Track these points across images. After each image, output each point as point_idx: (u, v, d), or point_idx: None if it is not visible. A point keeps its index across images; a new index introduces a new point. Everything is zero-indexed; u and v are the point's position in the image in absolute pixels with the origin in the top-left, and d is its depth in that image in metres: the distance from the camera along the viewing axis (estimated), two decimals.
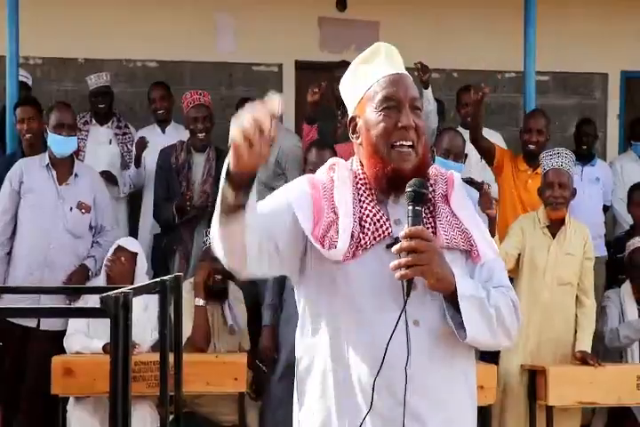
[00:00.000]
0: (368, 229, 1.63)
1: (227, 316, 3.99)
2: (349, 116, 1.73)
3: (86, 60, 5.71)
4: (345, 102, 1.76)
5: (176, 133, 4.87)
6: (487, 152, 4.36)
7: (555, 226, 3.85)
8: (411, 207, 1.58)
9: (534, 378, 3.74)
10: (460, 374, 1.66)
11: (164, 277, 2.31)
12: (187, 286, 3.88)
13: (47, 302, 3.67)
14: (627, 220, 5.12)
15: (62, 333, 3.87)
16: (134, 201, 5.10)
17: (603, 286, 4.68)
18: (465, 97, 4.89)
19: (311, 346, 1.67)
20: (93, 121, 5.02)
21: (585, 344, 3.82)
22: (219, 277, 3.96)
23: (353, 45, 5.72)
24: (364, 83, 1.69)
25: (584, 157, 5.00)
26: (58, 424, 3.67)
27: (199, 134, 4.38)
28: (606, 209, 5.24)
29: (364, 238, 1.62)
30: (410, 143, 1.64)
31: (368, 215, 1.64)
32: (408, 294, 1.56)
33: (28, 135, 4.29)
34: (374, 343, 1.59)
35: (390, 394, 1.58)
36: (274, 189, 1.80)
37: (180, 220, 4.29)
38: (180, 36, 5.63)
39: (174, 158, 4.40)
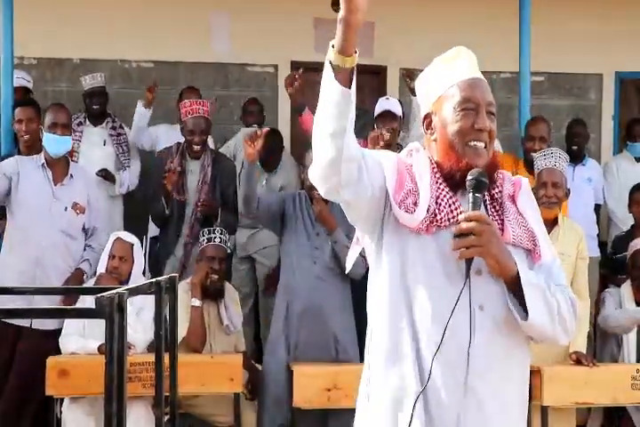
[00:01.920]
0: (444, 208, 1.71)
1: (222, 316, 3.99)
2: (424, 113, 1.82)
3: (81, 60, 5.70)
4: (419, 99, 1.86)
5: None
6: None
7: (548, 226, 3.83)
8: (471, 194, 1.68)
9: (530, 378, 3.73)
10: (516, 364, 1.74)
11: (160, 278, 2.31)
12: (183, 287, 3.88)
13: (40, 301, 3.66)
14: (622, 219, 5.13)
15: (55, 331, 3.86)
16: (130, 201, 5.10)
17: (596, 286, 4.69)
18: None
19: (380, 313, 1.74)
20: (87, 122, 5.02)
21: (579, 344, 3.81)
22: (215, 276, 3.96)
23: None
24: (443, 83, 1.78)
25: (575, 157, 5.01)
26: (52, 426, 3.66)
27: (195, 146, 4.35)
28: (597, 208, 5.25)
29: (439, 214, 1.70)
30: (483, 145, 1.74)
31: (445, 196, 1.73)
32: (468, 275, 1.64)
33: (26, 136, 4.28)
34: (436, 320, 1.66)
35: (451, 373, 1.65)
36: None
37: (168, 209, 4.28)
38: (175, 37, 5.63)
39: (169, 163, 4.38)
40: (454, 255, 1.66)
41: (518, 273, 1.66)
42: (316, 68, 5.81)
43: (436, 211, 1.70)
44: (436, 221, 1.70)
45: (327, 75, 1.59)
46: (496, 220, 1.74)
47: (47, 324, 3.91)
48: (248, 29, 5.72)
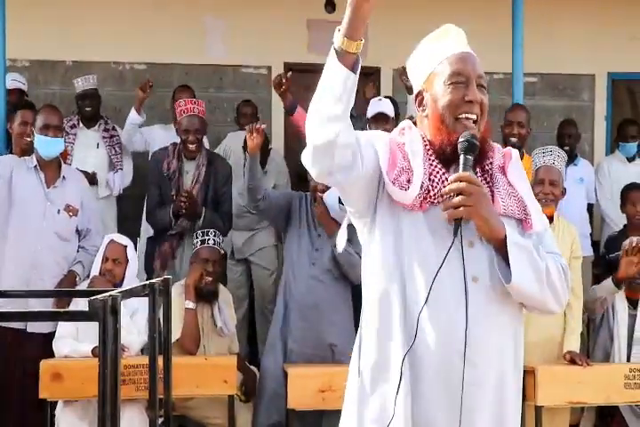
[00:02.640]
0: (437, 184, 1.72)
1: (216, 318, 3.99)
2: (416, 91, 1.83)
3: (74, 62, 5.69)
4: (411, 78, 1.87)
5: None
6: None
7: None
8: (462, 156, 1.69)
9: (524, 378, 3.73)
10: (511, 335, 1.75)
11: (153, 280, 2.31)
12: (177, 289, 3.87)
13: (35, 304, 3.65)
14: (614, 219, 5.15)
15: (51, 335, 3.85)
16: (123, 202, 5.09)
17: (589, 286, 4.70)
18: None
19: (376, 283, 1.76)
20: (81, 124, 5.02)
21: (573, 344, 3.83)
22: (209, 278, 3.96)
23: None
24: (433, 59, 1.79)
25: (567, 158, 5.03)
26: None
27: (190, 145, 4.34)
28: (590, 208, 5.26)
29: (432, 190, 1.71)
30: (474, 117, 1.74)
31: (438, 172, 1.74)
32: (455, 234, 1.65)
33: (29, 139, 4.26)
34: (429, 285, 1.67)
35: (446, 342, 1.67)
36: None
37: (176, 223, 4.29)
38: (169, 38, 5.62)
39: (166, 165, 4.38)
40: (447, 229, 1.68)
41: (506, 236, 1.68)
42: (309, 69, 5.88)
43: (429, 187, 1.71)
44: (430, 197, 1.71)
45: (332, 57, 1.60)
46: (488, 185, 1.76)
47: (42, 327, 3.89)
48: (242, 31, 5.73)
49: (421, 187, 1.71)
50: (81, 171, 4.58)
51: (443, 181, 1.72)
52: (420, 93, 1.82)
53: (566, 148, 5.14)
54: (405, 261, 1.71)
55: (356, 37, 1.60)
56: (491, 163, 1.78)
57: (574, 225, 4.04)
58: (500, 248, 1.69)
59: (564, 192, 3.89)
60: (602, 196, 5.33)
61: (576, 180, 5.08)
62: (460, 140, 1.69)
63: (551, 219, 3.84)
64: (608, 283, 4.03)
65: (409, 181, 1.71)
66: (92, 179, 4.78)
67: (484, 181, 1.76)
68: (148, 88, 4.93)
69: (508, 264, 1.68)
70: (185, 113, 4.35)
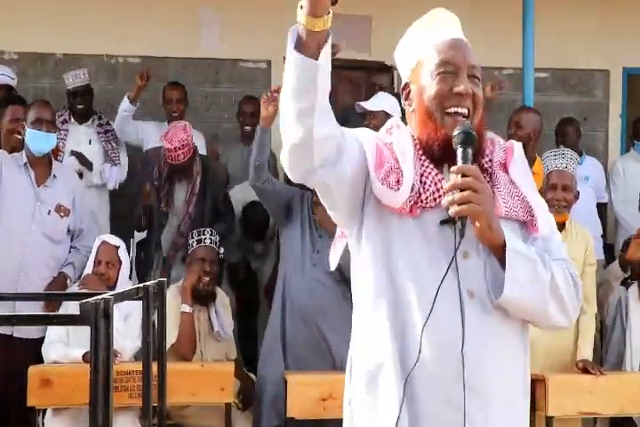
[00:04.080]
0: (429, 186, 1.61)
1: (213, 322, 3.99)
2: (403, 83, 1.72)
3: (65, 55, 5.69)
4: (399, 69, 1.76)
5: None
6: None
7: None
8: (460, 149, 1.57)
9: (533, 387, 3.72)
10: (515, 356, 1.63)
11: (148, 283, 2.31)
12: (172, 291, 3.87)
13: (23, 308, 3.65)
14: (628, 221, 5.14)
15: (38, 340, 3.85)
16: (117, 200, 5.09)
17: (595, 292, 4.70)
18: None
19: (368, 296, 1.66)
20: (72, 120, 5.01)
21: (586, 353, 3.83)
22: (207, 279, 3.95)
23: (344, 41, 5.73)
24: (420, 47, 1.69)
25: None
26: None
27: (180, 177, 4.35)
28: (600, 209, 5.24)
29: (424, 193, 1.60)
30: (465, 111, 1.62)
31: (430, 173, 1.62)
32: (462, 235, 1.54)
33: (19, 136, 4.26)
34: (423, 308, 1.56)
35: (443, 363, 1.56)
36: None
37: (145, 223, 4.29)
38: (164, 31, 5.62)
39: (157, 173, 4.38)
40: (441, 238, 1.58)
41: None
42: None
43: (421, 190, 1.60)
44: (421, 201, 1.60)
45: (289, 44, 1.48)
46: None
47: (30, 332, 3.89)
48: (240, 24, 5.72)
49: (412, 189, 1.59)
50: (78, 154, 4.60)
51: (435, 183, 1.61)
52: (406, 86, 1.71)
53: (561, 145, 5.15)
54: (397, 275, 1.60)
55: (319, 13, 1.46)
56: (490, 160, 1.66)
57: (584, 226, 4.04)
58: (501, 257, 1.57)
59: (577, 196, 3.88)
60: (616, 197, 5.33)
61: (581, 179, 5.07)
62: (456, 132, 1.57)
63: (564, 225, 3.84)
64: (615, 267, 4.06)
65: (398, 182, 1.60)
66: (82, 160, 4.79)
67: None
68: (147, 78, 4.93)
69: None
70: (170, 141, 4.27)
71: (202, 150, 4.98)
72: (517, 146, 1.72)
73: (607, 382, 3.75)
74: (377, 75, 5.53)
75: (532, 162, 4.40)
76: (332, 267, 1.84)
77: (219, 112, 5.87)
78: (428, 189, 1.61)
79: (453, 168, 1.55)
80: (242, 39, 5.74)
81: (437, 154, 1.62)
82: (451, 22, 1.71)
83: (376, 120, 4.31)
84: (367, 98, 4.74)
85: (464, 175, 1.53)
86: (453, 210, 1.53)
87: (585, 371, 3.76)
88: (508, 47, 5.23)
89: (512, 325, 1.62)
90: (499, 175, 1.65)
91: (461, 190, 1.53)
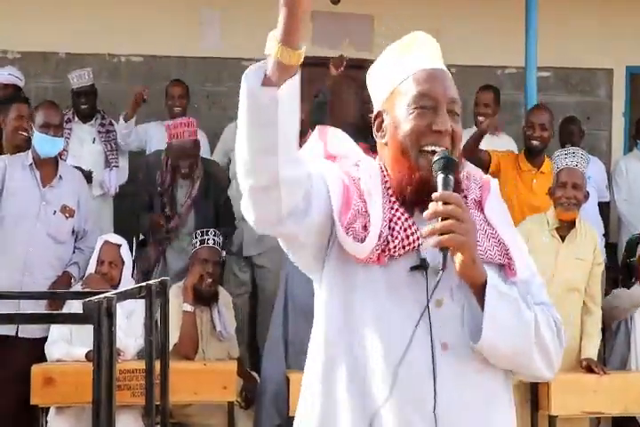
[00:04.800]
0: (398, 233, 1.47)
1: (215, 321, 3.99)
2: (375, 111, 1.58)
3: (67, 54, 5.69)
4: (371, 94, 1.62)
5: None
6: (483, 162, 4.35)
7: (564, 228, 3.82)
8: (442, 175, 1.44)
9: (536, 387, 3.74)
10: (496, 411, 1.48)
11: (150, 282, 2.31)
12: (175, 291, 3.88)
13: (27, 306, 3.65)
14: (631, 221, 5.13)
15: (42, 340, 3.85)
16: (120, 202, 5.09)
17: (602, 290, 4.70)
18: (483, 97, 4.88)
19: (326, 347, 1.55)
20: (76, 118, 5.02)
21: (591, 352, 3.82)
22: (210, 280, 3.96)
23: (347, 40, 5.73)
24: (396, 74, 1.54)
25: None
26: None
27: (183, 169, 4.36)
28: (602, 209, 5.23)
29: (392, 242, 1.46)
30: (444, 150, 1.48)
31: (400, 218, 1.48)
32: (444, 268, 1.40)
33: (25, 134, 4.27)
34: (390, 367, 1.43)
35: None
36: None
37: (153, 238, 4.33)
38: (166, 30, 5.62)
39: (159, 177, 4.39)
40: (410, 288, 1.45)
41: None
42: (313, 62, 5.89)
43: (389, 238, 1.45)
44: (389, 249, 1.45)
45: (252, 74, 1.35)
46: None
47: (34, 331, 3.89)
48: (241, 22, 5.71)
49: (379, 237, 1.44)
50: (76, 167, 4.59)
51: (405, 229, 1.46)
52: (379, 115, 1.55)
53: (568, 145, 5.15)
54: (358, 328, 1.45)
55: (295, 43, 1.34)
56: (465, 197, 1.51)
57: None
58: (480, 297, 1.43)
59: (587, 196, 3.87)
60: (618, 196, 5.32)
61: None
62: (436, 157, 1.45)
63: (573, 224, 3.83)
64: (637, 292, 4.01)
65: (365, 228, 1.45)
66: (87, 177, 4.78)
67: None
68: (143, 100, 4.90)
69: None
70: (175, 138, 4.33)
71: (204, 148, 4.99)
72: (493, 183, 1.59)
73: (611, 381, 3.75)
74: None
75: (542, 162, 4.40)
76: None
77: (220, 111, 5.87)
78: (397, 237, 1.46)
79: (435, 195, 1.41)
80: (243, 38, 5.73)
81: (410, 197, 1.49)
82: (431, 48, 1.56)
83: None
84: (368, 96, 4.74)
85: (445, 203, 1.40)
86: (434, 240, 1.39)
87: (589, 370, 3.75)
88: (510, 46, 5.22)
89: (492, 373, 1.47)
90: (473, 215, 1.49)
91: (442, 219, 1.40)
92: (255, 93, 1.33)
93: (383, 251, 1.46)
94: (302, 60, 1.35)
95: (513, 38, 5.05)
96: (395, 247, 1.46)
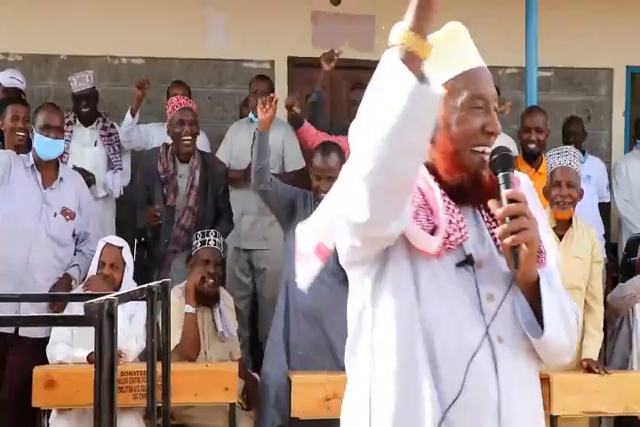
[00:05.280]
0: (455, 226, 1.49)
1: (217, 322, 3.99)
2: None
3: (69, 56, 5.70)
4: None
5: None
6: None
7: (561, 227, 3.83)
8: (502, 173, 1.47)
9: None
10: (539, 395, 1.57)
11: (152, 284, 2.31)
12: (177, 292, 3.88)
13: (27, 308, 3.65)
14: (632, 221, 5.13)
15: (43, 340, 3.85)
16: (122, 204, 5.10)
17: (602, 290, 4.69)
18: None
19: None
20: (77, 122, 5.01)
21: (592, 352, 3.82)
22: (211, 281, 3.96)
23: (348, 41, 5.73)
24: (443, 71, 1.52)
25: None
26: None
27: (185, 138, 4.33)
28: (602, 209, 5.23)
29: (453, 235, 1.48)
30: (489, 151, 1.53)
31: (454, 211, 1.50)
32: (517, 266, 1.45)
33: (21, 134, 4.27)
34: (456, 356, 1.46)
35: (477, 414, 1.47)
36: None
37: (150, 231, 4.31)
38: (167, 31, 5.63)
39: (160, 166, 4.38)
40: (461, 280, 1.49)
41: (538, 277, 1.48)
42: (313, 63, 5.90)
43: (450, 230, 1.48)
44: (449, 242, 1.48)
45: (403, 70, 1.27)
46: (494, 227, 1.53)
47: (36, 332, 3.89)
48: (244, 24, 5.73)
49: (444, 230, 1.48)
50: (78, 169, 4.59)
51: (458, 222, 1.49)
52: None
53: (572, 145, 5.15)
54: (431, 319, 1.47)
55: (426, 35, 1.28)
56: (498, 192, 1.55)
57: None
58: (528, 291, 1.49)
59: (581, 194, 3.88)
60: (619, 196, 5.31)
61: (583, 178, 5.06)
62: (494, 157, 1.49)
63: (569, 222, 3.83)
64: (634, 280, 4.03)
65: (429, 221, 1.47)
66: (89, 180, 4.78)
67: (489, 215, 1.54)
68: (146, 86, 4.93)
69: (534, 313, 1.49)
70: (177, 107, 4.39)
71: (205, 146, 5.00)
72: (523, 177, 1.62)
73: (612, 381, 3.74)
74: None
75: (540, 163, 4.41)
76: (305, 288, 1.66)
77: (222, 112, 5.87)
78: (455, 230, 1.49)
79: (507, 192, 1.45)
80: (245, 40, 5.74)
81: (459, 194, 1.51)
82: (470, 41, 1.58)
83: None
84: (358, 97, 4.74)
85: (511, 201, 1.44)
86: (510, 239, 1.44)
87: (589, 370, 3.75)
88: (511, 46, 5.22)
89: (535, 365, 1.56)
90: None
91: (511, 217, 1.44)
92: (420, 92, 1.28)
93: (444, 244, 1.48)
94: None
95: (513, 38, 5.05)
96: (455, 240, 1.49)
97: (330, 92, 4.89)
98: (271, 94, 4.04)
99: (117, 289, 3.79)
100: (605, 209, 5.32)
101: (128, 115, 4.96)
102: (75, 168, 4.71)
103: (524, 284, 1.50)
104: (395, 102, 1.28)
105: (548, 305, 1.47)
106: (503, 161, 1.48)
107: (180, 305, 3.86)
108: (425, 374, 1.46)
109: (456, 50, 1.55)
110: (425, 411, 1.46)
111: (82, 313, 1.69)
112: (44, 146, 3.98)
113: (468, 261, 1.50)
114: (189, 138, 4.36)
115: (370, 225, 1.38)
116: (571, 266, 3.81)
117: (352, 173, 1.37)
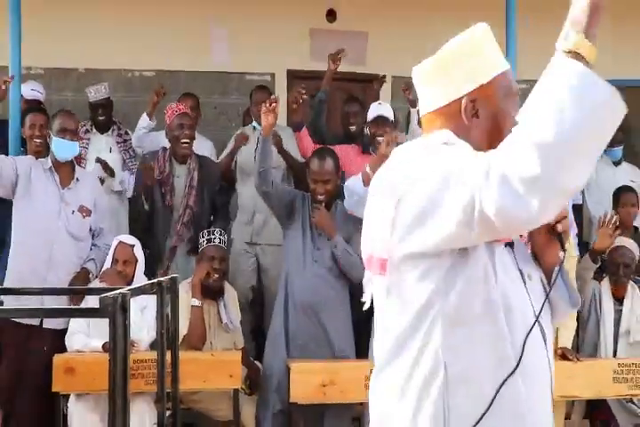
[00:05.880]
0: None
1: (222, 314, 3.98)
2: (460, 93, 1.54)
3: (86, 70, 5.70)
4: (445, 79, 1.58)
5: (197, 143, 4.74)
6: None
7: None
8: None
9: None
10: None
11: (161, 279, 2.31)
12: (184, 287, 3.88)
13: (49, 300, 3.64)
14: None
15: (62, 331, 3.85)
16: (134, 204, 5.09)
17: (576, 283, 4.71)
18: None
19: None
20: (94, 130, 5.03)
21: (566, 340, 3.86)
22: (216, 275, 3.96)
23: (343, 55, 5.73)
24: (488, 68, 1.56)
25: None
26: (59, 420, 3.65)
27: (183, 141, 4.30)
28: (576, 210, 5.24)
29: None
30: None
31: None
32: (563, 248, 1.56)
33: (38, 140, 4.28)
34: (522, 325, 1.47)
35: (542, 384, 1.52)
36: None
37: (147, 204, 4.26)
38: (175, 47, 5.64)
39: (158, 169, 4.37)
40: (509, 261, 1.50)
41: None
42: (311, 76, 5.88)
43: None
44: None
45: (598, 83, 1.28)
46: None
47: (57, 323, 3.90)
48: (246, 40, 5.73)
49: None
50: (101, 162, 4.61)
51: None
52: (472, 100, 1.54)
53: None
54: (508, 292, 1.46)
55: (596, 40, 1.27)
56: None
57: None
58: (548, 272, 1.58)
59: None
60: (590, 200, 5.33)
61: None
62: None
63: None
64: (586, 259, 4.16)
65: None
66: (106, 167, 4.78)
67: None
68: (162, 94, 4.94)
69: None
70: (176, 112, 4.36)
71: (209, 152, 4.98)
72: None
73: (584, 367, 3.77)
74: (371, 86, 5.56)
75: None
76: (367, 304, 1.57)
77: (226, 121, 5.88)
78: None
79: None
80: (248, 54, 5.75)
81: None
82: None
83: (389, 128, 4.26)
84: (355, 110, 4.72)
85: None
86: (561, 226, 1.55)
87: (564, 358, 3.77)
88: None
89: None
90: None
91: None
92: (617, 100, 1.28)
93: None
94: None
95: None
96: None
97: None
98: (272, 96, 4.00)
99: (130, 284, 3.79)
100: (578, 211, 5.33)
101: (144, 117, 4.94)
102: (98, 160, 4.75)
103: (550, 264, 1.57)
104: (582, 105, 1.30)
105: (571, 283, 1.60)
106: None
107: (187, 299, 3.86)
108: (509, 342, 1.45)
109: (496, 49, 1.60)
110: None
111: (97, 306, 1.69)
112: (61, 147, 4.01)
113: (511, 243, 1.51)
114: (187, 141, 4.33)
115: (530, 223, 1.33)
116: None
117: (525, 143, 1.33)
